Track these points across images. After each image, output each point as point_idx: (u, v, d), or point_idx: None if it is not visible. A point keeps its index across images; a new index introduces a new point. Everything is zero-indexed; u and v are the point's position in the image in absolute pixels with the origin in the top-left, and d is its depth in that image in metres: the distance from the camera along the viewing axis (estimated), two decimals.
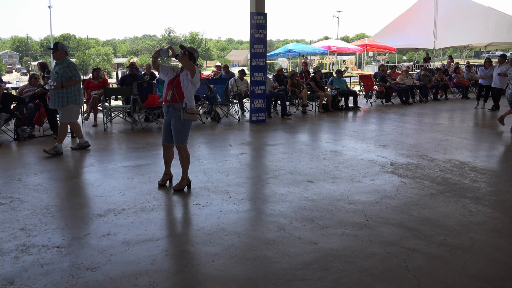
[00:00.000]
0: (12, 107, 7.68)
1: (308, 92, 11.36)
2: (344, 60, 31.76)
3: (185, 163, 4.77)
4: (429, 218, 3.97)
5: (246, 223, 3.86)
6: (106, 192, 4.68)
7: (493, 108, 11.66)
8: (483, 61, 13.10)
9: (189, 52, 4.60)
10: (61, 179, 5.24)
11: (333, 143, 7.44)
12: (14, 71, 59.46)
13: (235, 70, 13.96)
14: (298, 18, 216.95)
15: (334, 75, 12.88)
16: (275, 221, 3.88)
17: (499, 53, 54.36)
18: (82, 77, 7.95)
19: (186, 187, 4.81)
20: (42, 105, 7.72)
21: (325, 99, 11.60)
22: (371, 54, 37.05)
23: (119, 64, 62.54)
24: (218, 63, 14.57)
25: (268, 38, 9.97)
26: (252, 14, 9.35)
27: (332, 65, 27.13)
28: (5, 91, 7.87)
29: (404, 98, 13.31)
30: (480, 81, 12.39)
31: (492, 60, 13.20)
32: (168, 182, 4.97)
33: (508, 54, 28.20)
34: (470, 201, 4.45)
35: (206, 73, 17.80)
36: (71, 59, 6.73)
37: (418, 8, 23.75)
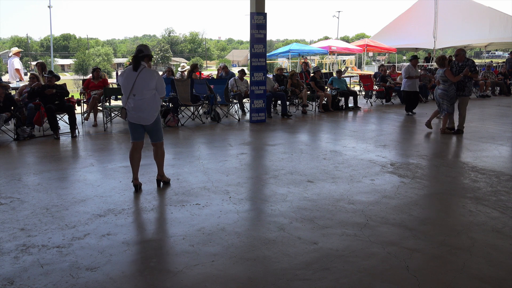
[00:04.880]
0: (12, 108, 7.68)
1: (308, 92, 11.36)
2: (344, 60, 31.70)
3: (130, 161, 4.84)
4: (429, 218, 3.97)
5: (246, 223, 3.86)
6: (106, 192, 4.68)
7: (409, 112, 10.82)
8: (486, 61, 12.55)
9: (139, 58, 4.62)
10: (61, 179, 5.24)
11: (333, 143, 7.44)
12: None
13: (235, 70, 14.00)
14: (298, 18, 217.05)
15: (334, 75, 12.88)
16: (275, 221, 3.88)
17: (499, 53, 53.90)
18: (82, 77, 7.96)
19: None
20: (42, 105, 7.72)
21: (325, 99, 11.59)
22: (371, 54, 37.03)
23: (119, 64, 62.59)
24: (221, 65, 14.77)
25: (268, 38, 9.97)
26: (252, 14, 9.35)
27: (332, 65, 27.09)
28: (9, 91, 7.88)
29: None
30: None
31: (493, 60, 13.08)
32: (162, 184, 4.95)
33: (507, 54, 28.19)
34: (470, 201, 4.45)
35: (206, 73, 17.83)
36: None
37: (418, 8, 23.74)
